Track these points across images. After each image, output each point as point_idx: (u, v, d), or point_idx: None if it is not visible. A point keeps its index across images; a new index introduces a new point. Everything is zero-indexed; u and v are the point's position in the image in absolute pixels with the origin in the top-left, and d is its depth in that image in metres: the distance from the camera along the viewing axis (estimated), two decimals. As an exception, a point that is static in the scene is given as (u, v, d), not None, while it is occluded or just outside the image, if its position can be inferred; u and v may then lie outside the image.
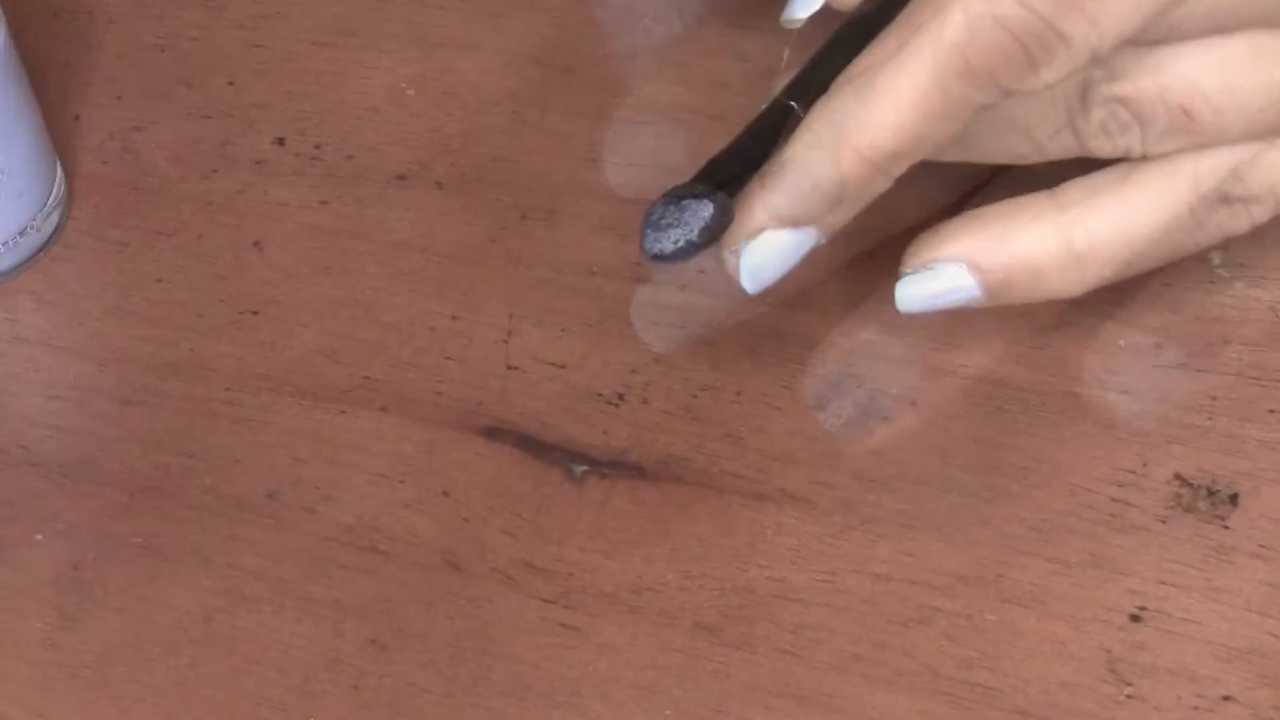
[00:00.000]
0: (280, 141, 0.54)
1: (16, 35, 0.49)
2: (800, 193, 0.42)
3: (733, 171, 0.42)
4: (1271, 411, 0.46)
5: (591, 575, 0.46)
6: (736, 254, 0.43)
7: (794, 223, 0.43)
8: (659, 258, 0.42)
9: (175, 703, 0.45)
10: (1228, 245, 0.48)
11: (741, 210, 0.43)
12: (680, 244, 0.42)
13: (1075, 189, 0.44)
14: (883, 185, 0.43)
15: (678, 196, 0.42)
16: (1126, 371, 0.47)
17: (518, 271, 0.50)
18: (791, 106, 0.43)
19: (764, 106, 0.43)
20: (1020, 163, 0.45)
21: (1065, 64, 0.41)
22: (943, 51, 0.41)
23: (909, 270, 0.45)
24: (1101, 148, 0.44)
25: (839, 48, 0.43)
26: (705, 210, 0.41)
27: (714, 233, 0.42)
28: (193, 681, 0.45)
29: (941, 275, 0.45)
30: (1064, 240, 0.44)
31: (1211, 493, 0.45)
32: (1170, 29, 0.42)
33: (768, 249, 0.43)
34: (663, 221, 0.41)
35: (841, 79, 0.42)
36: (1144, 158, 0.44)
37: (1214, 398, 0.46)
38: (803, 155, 0.42)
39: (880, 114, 0.41)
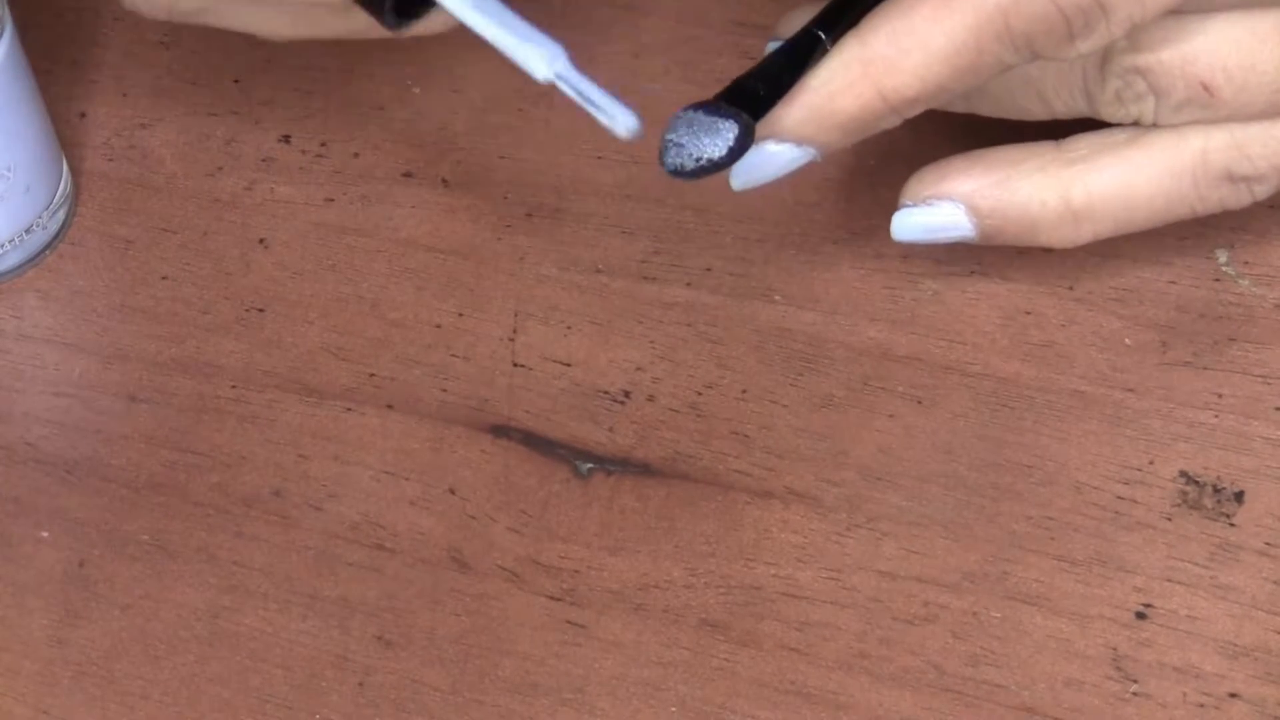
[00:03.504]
0: (286, 139, 0.54)
1: (22, 32, 0.49)
2: (814, 119, 0.43)
3: (755, 93, 0.42)
4: (1277, 409, 0.46)
5: (598, 572, 0.46)
6: None
7: (799, 142, 0.43)
8: (678, 173, 0.42)
9: (181, 700, 0.45)
10: (1234, 244, 0.48)
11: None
12: (702, 162, 0.41)
13: (1082, 144, 0.44)
14: (892, 123, 0.43)
15: (703, 112, 0.42)
16: (1132, 369, 0.47)
17: (523, 269, 0.50)
18: (820, 37, 0.43)
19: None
20: (1026, 119, 0.45)
21: (1103, 36, 0.41)
22: (985, 12, 0.41)
23: (908, 202, 0.45)
24: (1114, 114, 0.44)
25: None
26: (730, 131, 0.41)
27: (736, 154, 0.42)
28: (198, 678, 0.45)
29: (939, 211, 0.45)
30: (1063, 196, 0.44)
31: (1217, 490, 0.45)
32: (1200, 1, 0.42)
33: (764, 155, 0.44)
34: (684, 138, 0.41)
35: (876, 15, 0.42)
36: (1155, 126, 0.44)
37: (1220, 395, 0.46)
38: (827, 84, 0.43)
39: (910, 61, 0.42)
